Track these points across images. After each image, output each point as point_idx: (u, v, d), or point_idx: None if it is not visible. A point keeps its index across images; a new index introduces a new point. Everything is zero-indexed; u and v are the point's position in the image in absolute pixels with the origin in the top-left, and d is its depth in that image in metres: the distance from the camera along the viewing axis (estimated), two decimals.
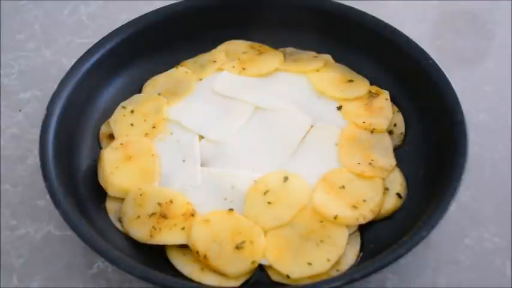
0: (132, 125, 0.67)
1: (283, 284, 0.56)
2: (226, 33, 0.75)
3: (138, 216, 0.60)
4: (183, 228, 0.58)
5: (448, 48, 0.79)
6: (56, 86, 0.65)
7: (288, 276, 0.56)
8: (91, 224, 0.57)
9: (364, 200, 0.60)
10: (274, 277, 0.57)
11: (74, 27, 0.83)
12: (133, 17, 0.73)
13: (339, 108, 0.68)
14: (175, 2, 0.75)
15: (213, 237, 0.58)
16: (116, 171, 0.63)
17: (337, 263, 0.57)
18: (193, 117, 0.68)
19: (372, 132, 0.66)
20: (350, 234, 0.58)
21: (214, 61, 0.73)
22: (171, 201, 0.60)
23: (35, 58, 0.80)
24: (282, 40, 0.75)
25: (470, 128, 0.60)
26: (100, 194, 0.63)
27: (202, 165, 0.64)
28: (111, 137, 0.67)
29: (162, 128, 0.67)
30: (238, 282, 0.56)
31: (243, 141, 0.66)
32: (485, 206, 0.63)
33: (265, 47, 0.74)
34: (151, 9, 0.73)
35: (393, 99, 0.68)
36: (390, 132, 0.66)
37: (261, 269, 0.57)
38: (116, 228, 0.61)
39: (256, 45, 0.75)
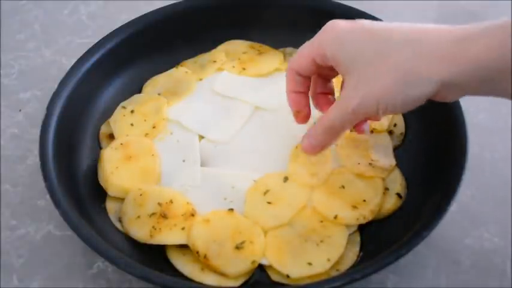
0: (132, 125, 0.67)
1: (283, 284, 0.56)
2: (226, 33, 0.75)
3: (138, 216, 0.60)
4: (183, 228, 0.58)
5: None
6: (56, 86, 0.66)
7: (288, 276, 0.56)
8: (91, 224, 0.57)
9: (364, 200, 0.60)
10: (274, 277, 0.57)
11: (74, 27, 0.83)
12: (133, 17, 0.73)
13: None
14: (175, 2, 0.75)
15: (213, 237, 0.58)
16: (116, 171, 0.63)
17: (337, 263, 0.57)
18: (193, 117, 0.68)
19: (371, 132, 0.65)
20: (350, 234, 0.58)
21: (214, 61, 0.73)
22: (171, 201, 0.60)
23: (35, 58, 0.80)
24: (282, 40, 0.75)
25: (470, 128, 0.60)
26: (100, 194, 0.63)
27: (202, 165, 0.64)
28: (111, 137, 0.67)
29: (162, 128, 0.67)
30: (238, 282, 0.56)
31: (243, 141, 0.66)
32: (485, 206, 0.63)
33: (265, 47, 0.74)
34: (151, 9, 0.74)
35: None
36: (390, 132, 0.66)
37: (261, 269, 0.57)
38: (116, 228, 0.61)
39: (256, 45, 0.75)
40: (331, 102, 0.61)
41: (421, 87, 0.49)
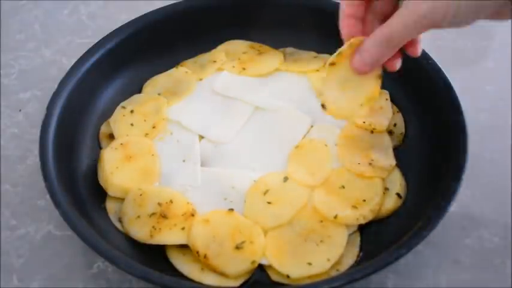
0: (132, 125, 0.67)
1: (283, 284, 0.56)
2: (226, 33, 0.75)
3: (138, 216, 0.60)
4: (183, 228, 0.58)
5: (448, 48, 0.79)
6: (56, 86, 0.66)
7: (288, 276, 0.56)
8: (91, 224, 0.57)
9: (364, 200, 0.60)
10: (274, 277, 0.57)
11: (74, 27, 0.83)
12: (133, 17, 0.73)
13: None
14: (175, 2, 0.75)
15: (213, 237, 0.58)
16: (116, 171, 0.63)
17: (337, 263, 0.57)
18: (193, 117, 0.68)
19: (371, 132, 0.65)
20: (350, 234, 0.58)
21: (214, 61, 0.73)
22: (171, 201, 0.60)
23: (35, 58, 0.80)
24: (282, 40, 0.75)
25: (470, 128, 0.60)
26: (100, 194, 0.63)
27: (202, 165, 0.64)
28: (111, 137, 0.67)
29: (162, 128, 0.67)
30: (238, 282, 0.56)
31: (243, 141, 0.66)
32: (485, 206, 0.63)
33: (265, 47, 0.74)
34: (151, 9, 0.74)
35: (393, 99, 0.68)
36: (390, 132, 0.66)
37: (261, 269, 0.57)
38: (116, 228, 0.61)
39: (256, 45, 0.75)
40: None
41: None
